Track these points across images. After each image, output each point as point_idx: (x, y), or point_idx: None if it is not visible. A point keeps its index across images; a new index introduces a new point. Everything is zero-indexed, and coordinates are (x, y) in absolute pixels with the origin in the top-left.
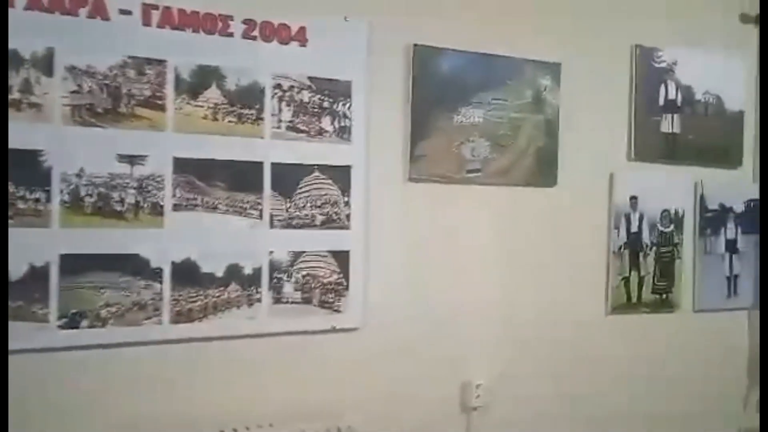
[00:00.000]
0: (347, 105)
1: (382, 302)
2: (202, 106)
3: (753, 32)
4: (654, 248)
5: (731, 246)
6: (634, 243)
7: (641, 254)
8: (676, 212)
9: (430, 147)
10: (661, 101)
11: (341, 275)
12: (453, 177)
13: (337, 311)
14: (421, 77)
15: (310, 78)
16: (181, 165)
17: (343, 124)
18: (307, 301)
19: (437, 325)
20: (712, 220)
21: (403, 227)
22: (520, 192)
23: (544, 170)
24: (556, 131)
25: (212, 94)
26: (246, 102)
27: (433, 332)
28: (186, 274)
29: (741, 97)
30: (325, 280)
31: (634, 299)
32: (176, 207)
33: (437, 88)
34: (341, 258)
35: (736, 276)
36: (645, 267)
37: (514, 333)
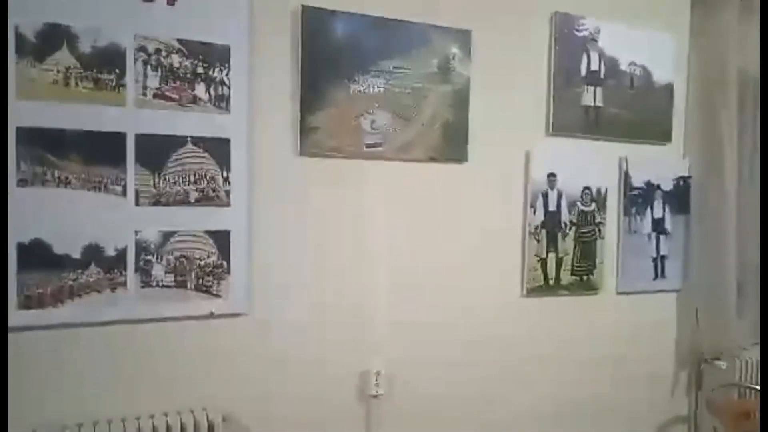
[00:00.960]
0: (225, 72)
1: (271, 286)
2: (50, 70)
3: (685, 4)
4: (574, 228)
5: (658, 226)
6: (552, 222)
7: (560, 234)
8: (599, 190)
9: (324, 119)
10: (583, 72)
11: (221, 257)
12: (351, 151)
13: (217, 296)
14: (312, 42)
15: (180, 41)
16: (27, 136)
17: (220, 92)
18: (181, 284)
19: (334, 310)
20: (637, 198)
21: (294, 205)
22: (427, 168)
23: (453, 145)
24: (466, 104)
25: (62, 56)
26: (104, 66)
27: (328, 318)
28: (36, 255)
29: (670, 69)
30: (202, 263)
31: (552, 281)
32: (21, 183)
33: (330, 55)
34: (220, 238)
35: (663, 257)
36: (564, 247)
37: (420, 317)
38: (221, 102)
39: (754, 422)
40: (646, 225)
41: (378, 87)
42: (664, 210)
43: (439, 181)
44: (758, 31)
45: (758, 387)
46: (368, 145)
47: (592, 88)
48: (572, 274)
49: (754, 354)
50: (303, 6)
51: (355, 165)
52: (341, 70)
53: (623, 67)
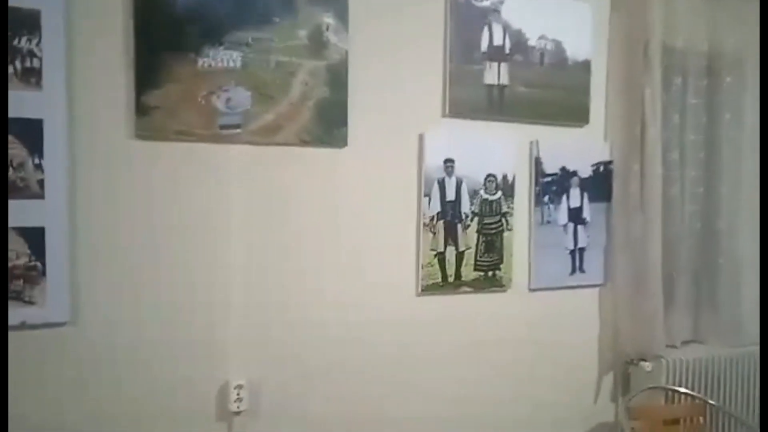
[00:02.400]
0: (35, 41)
1: (101, 291)
2: None
3: None
4: (476, 219)
5: (575, 215)
6: (450, 213)
7: (460, 226)
8: (505, 177)
9: (165, 96)
10: (484, 47)
11: (34, 258)
12: (200, 134)
13: (30, 302)
14: (148, 8)
15: None
16: None
17: (28, 65)
18: None
19: (182, 315)
20: (550, 185)
21: (129, 196)
22: (298, 153)
23: (329, 128)
24: (344, 81)
25: None
26: None
27: (176, 325)
28: None
29: (587, 44)
30: (10, 264)
31: (452, 277)
32: None
33: (172, 23)
34: (32, 236)
35: (581, 249)
36: (465, 240)
37: (290, 320)
38: (30, 77)
39: (685, 429)
40: (562, 215)
41: (233, 61)
42: (582, 198)
43: (314, 168)
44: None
45: (688, 390)
46: (223, 127)
47: (495, 65)
48: (476, 270)
49: (684, 354)
50: None
51: (206, 149)
52: (186, 40)
53: (532, 41)
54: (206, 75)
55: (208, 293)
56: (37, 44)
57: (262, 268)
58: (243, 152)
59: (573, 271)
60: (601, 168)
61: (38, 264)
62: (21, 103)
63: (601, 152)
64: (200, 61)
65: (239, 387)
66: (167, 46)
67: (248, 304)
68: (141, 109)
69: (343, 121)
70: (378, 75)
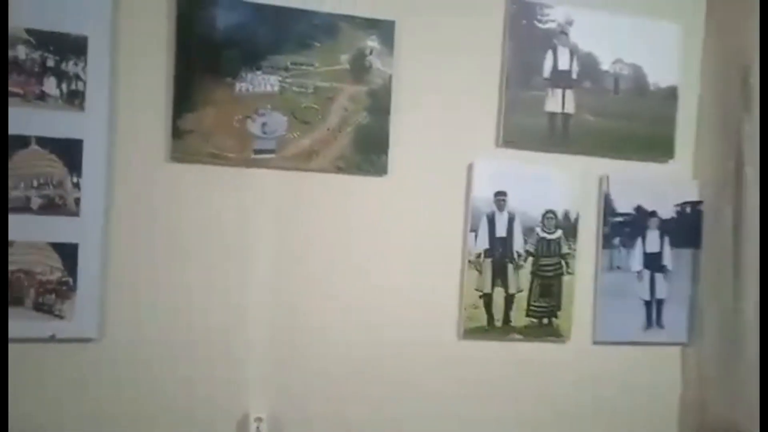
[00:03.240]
0: (81, 65)
1: (130, 309)
2: None
3: None
4: (531, 259)
5: (653, 262)
6: (499, 251)
7: (511, 266)
8: (566, 214)
9: (201, 120)
10: (547, 72)
11: (66, 273)
12: (234, 158)
13: (59, 317)
14: (188, 33)
15: (28, 30)
16: None
17: (74, 87)
18: (17, 302)
19: (205, 340)
20: (622, 226)
21: (162, 218)
22: (334, 180)
23: (366, 155)
24: (386, 106)
25: None
26: None
27: (199, 350)
28: None
29: (673, 70)
30: (43, 278)
31: (500, 322)
32: None
33: (211, 48)
34: (67, 251)
35: (660, 301)
36: (516, 282)
37: (317, 353)
38: (75, 99)
39: None
40: (636, 260)
41: (271, 85)
42: (661, 242)
43: (350, 197)
44: None
45: None
46: (257, 151)
47: (559, 91)
48: (528, 315)
49: None
50: None
51: (238, 174)
52: (224, 65)
53: (605, 66)
54: (242, 99)
55: (233, 320)
56: (83, 68)
57: (290, 299)
58: (276, 177)
59: (649, 325)
60: (688, 209)
61: (70, 279)
62: (64, 124)
63: (688, 191)
64: (237, 86)
65: (259, 420)
66: (205, 70)
67: (274, 336)
68: (176, 132)
69: (383, 149)
70: (424, 101)
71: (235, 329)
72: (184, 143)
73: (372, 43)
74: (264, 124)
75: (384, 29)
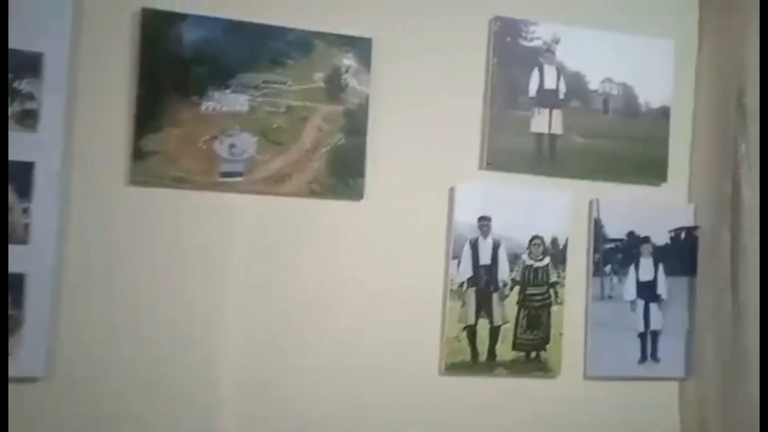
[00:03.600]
0: (35, 83)
1: (82, 346)
2: None
3: None
4: (517, 288)
5: (647, 291)
6: (483, 279)
7: (496, 295)
8: (555, 240)
9: (165, 141)
10: (533, 91)
11: (11, 306)
12: (199, 181)
13: None
14: (152, 50)
15: None
16: None
17: (26, 107)
18: None
19: (168, 380)
20: (614, 253)
21: (121, 246)
22: (307, 205)
23: (342, 178)
24: (363, 127)
25: None
26: None
27: (160, 390)
28: None
29: (666, 89)
30: None
31: (484, 356)
32: None
33: (176, 66)
34: (12, 283)
35: (654, 333)
36: (502, 313)
37: (289, 393)
38: (26, 119)
39: None
40: (629, 289)
41: (240, 104)
42: (655, 270)
43: (324, 223)
44: None
45: None
46: (224, 174)
47: (546, 111)
48: (515, 349)
49: None
50: (144, 9)
51: (205, 198)
52: (191, 83)
53: (593, 85)
54: (210, 119)
55: (199, 357)
56: (38, 87)
57: (262, 332)
58: (245, 202)
59: (643, 358)
60: (683, 235)
61: (15, 313)
62: (13, 146)
63: (682, 216)
64: (204, 105)
65: None
66: (170, 89)
67: (245, 375)
68: (138, 154)
69: (359, 172)
70: (403, 121)
71: (202, 368)
72: (146, 165)
73: (348, 61)
74: (232, 146)
75: (361, 47)
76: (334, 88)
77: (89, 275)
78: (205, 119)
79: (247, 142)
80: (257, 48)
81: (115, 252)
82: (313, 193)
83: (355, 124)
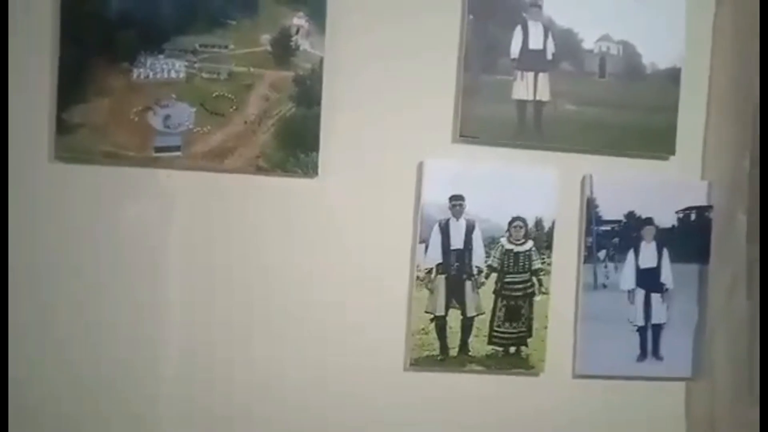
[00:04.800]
0: None
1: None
2: None
3: None
4: (494, 275)
5: (649, 280)
6: (455, 266)
7: (469, 283)
8: (539, 222)
9: (92, 112)
10: (515, 52)
11: None
12: (132, 157)
13: None
14: (76, 11)
15: None
16: None
17: None
18: None
19: (105, 375)
20: (609, 236)
21: (46, 228)
22: (254, 182)
23: (294, 152)
24: (317, 95)
25: None
26: None
27: (91, 388)
28: None
29: (675, 46)
30: None
31: (456, 350)
32: None
33: (103, 28)
34: None
35: (657, 327)
36: (476, 303)
37: (238, 397)
38: None
39: None
40: (627, 277)
41: (176, 71)
42: (659, 256)
43: (274, 202)
44: None
45: None
46: (159, 149)
47: (530, 75)
48: (491, 343)
49: None
50: None
51: (138, 175)
52: (119, 47)
53: (588, 44)
54: (142, 88)
55: (138, 351)
56: None
57: (203, 326)
58: (183, 179)
59: (643, 356)
60: (693, 216)
61: None
62: None
63: (693, 194)
64: (135, 72)
65: None
66: (97, 54)
67: (186, 372)
68: (62, 127)
69: (313, 145)
70: (364, 88)
71: (141, 361)
72: (71, 140)
73: (299, 20)
74: (167, 117)
75: (313, 4)
76: (283, 51)
77: (9, 261)
78: (137, 88)
79: (184, 113)
80: (194, 7)
81: (38, 234)
82: (260, 169)
83: (308, 92)
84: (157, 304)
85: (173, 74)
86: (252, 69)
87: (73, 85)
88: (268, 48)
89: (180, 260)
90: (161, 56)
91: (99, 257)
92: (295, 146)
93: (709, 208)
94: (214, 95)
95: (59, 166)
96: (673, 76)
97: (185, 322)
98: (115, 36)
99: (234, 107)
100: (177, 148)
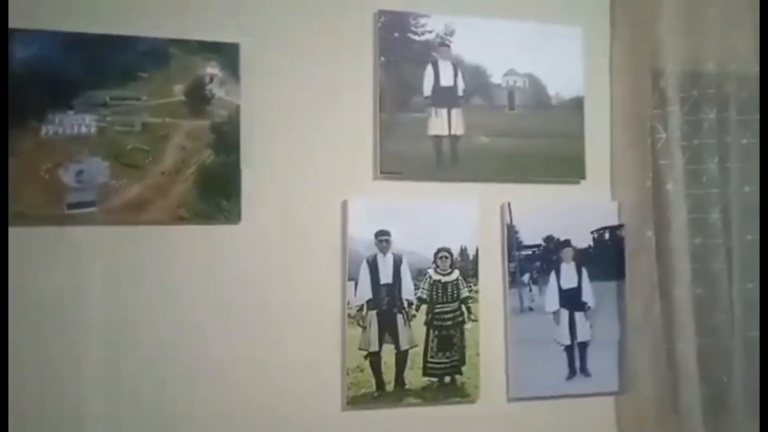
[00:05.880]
0: None
1: None
2: None
3: None
4: (425, 307)
5: (571, 300)
6: (385, 300)
7: (401, 317)
8: (463, 251)
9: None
10: (428, 90)
11: None
12: (44, 216)
13: None
14: None
15: None
16: None
17: None
18: None
19: None
20: (531, 261)
21: None
22: (173, 233)
23: (215, 200)
24: (235, 141)
25: None
26: None
27: None
28: None
29: (577, 77)
30: None
31: (391, 385)
32: None
33: (10, 88)
34: None
35: (583, 345)
36: (409, 336)
37: None
38: None
39: None
40: (551, 299)
41: (87, 126)
42: (579, 276)
43: (198, 251)
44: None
45: None
46: (72, 205)
47: (444, 111)
48: (426, 374)
49: None
50: None
51: (51, 234)
52: (26, 107)
53: (495, 79)
54: (51, 145)
55: (59, 411)
56: None
57: (129, 385)
58: (99, 235)
59: (572, 374)
60: (606, 235)
61: None
62: None
63: (605, 215)
64: (44, 129)
65: None
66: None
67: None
68: None
69: (234, 192)
70: (283, 132)
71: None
72: None
73: (212, 69)
74: (80, 172)
75: (226, 53)
76: (197, 100)
77: None
78: (46, 145)
79: (98, 168)
80: (102, 62)
81: None
82: (180, 219)
83: (226, 139)
84: (77, 367)
85: (83, 129)
86: (167, 119)
87: None
88: (182, 98)
89: (100, 316)
90: (71, 112)
91: (14, 320)
92: (217, 194)
93: (620, 227)
94: (128, 147)
95: None
96: (576, 105)
97: (109, 384)
98: (21, 93)
99: (150, 158)
100: (92, 204)
